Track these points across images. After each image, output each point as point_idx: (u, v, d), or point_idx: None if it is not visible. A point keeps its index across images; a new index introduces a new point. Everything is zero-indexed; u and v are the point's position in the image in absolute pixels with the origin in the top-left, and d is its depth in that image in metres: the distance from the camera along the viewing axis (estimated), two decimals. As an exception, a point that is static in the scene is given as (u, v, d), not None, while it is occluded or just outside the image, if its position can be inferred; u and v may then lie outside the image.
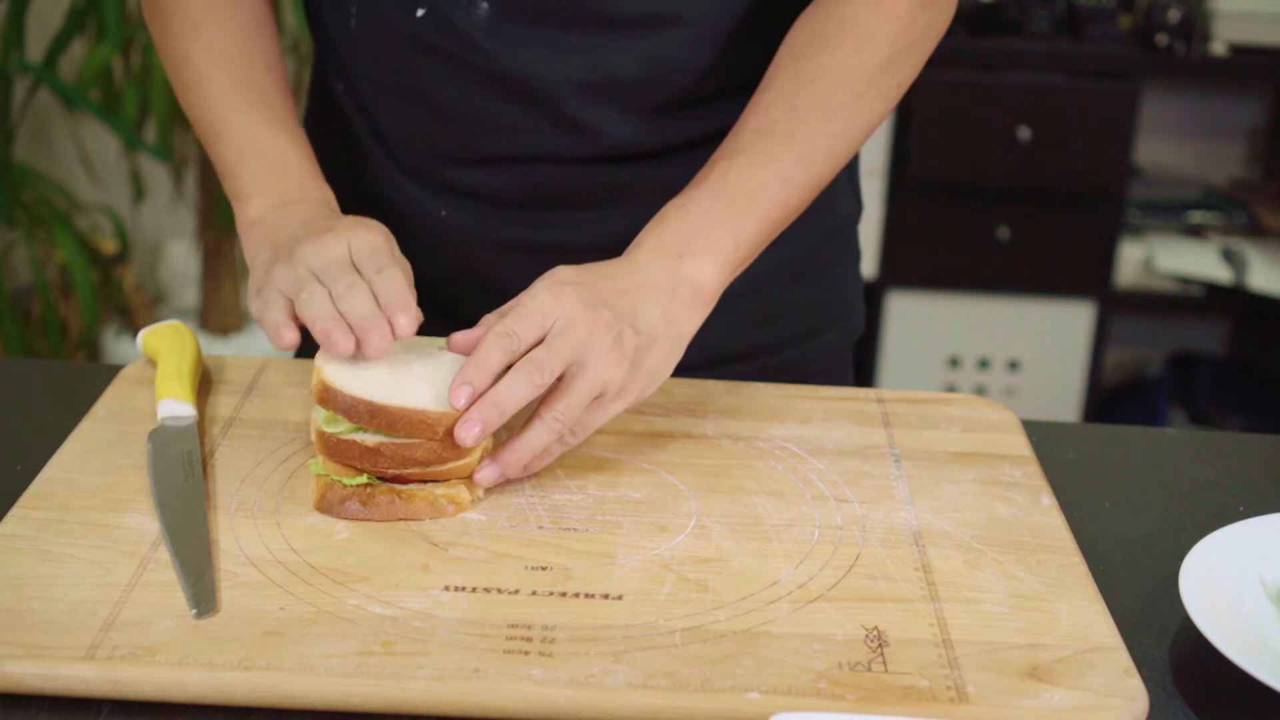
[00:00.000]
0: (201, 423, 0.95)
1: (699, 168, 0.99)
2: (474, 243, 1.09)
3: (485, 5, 1.00)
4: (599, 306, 0.87)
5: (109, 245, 2.54)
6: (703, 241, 0.93)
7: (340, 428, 0.85)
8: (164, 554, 0.81)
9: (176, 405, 0.94)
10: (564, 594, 0.79)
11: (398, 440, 0.84)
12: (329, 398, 0.85)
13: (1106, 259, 2.66)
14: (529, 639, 0.75)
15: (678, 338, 0.91)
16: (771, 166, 0.95)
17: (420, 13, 1.02)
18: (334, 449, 0.85)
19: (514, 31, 1.01)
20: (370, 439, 0.84)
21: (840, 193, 1.15)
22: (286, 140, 1.01)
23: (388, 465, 0.85)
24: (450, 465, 0.86)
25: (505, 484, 0.90)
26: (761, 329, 1.14)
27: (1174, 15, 2.56)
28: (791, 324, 1.15)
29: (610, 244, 1.00)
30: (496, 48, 1.01)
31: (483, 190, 1.07)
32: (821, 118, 0.96)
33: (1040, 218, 2.66)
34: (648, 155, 1.07)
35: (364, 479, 0.85)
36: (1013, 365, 2.77)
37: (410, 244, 0.99)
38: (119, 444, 0.92)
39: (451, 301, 1.09)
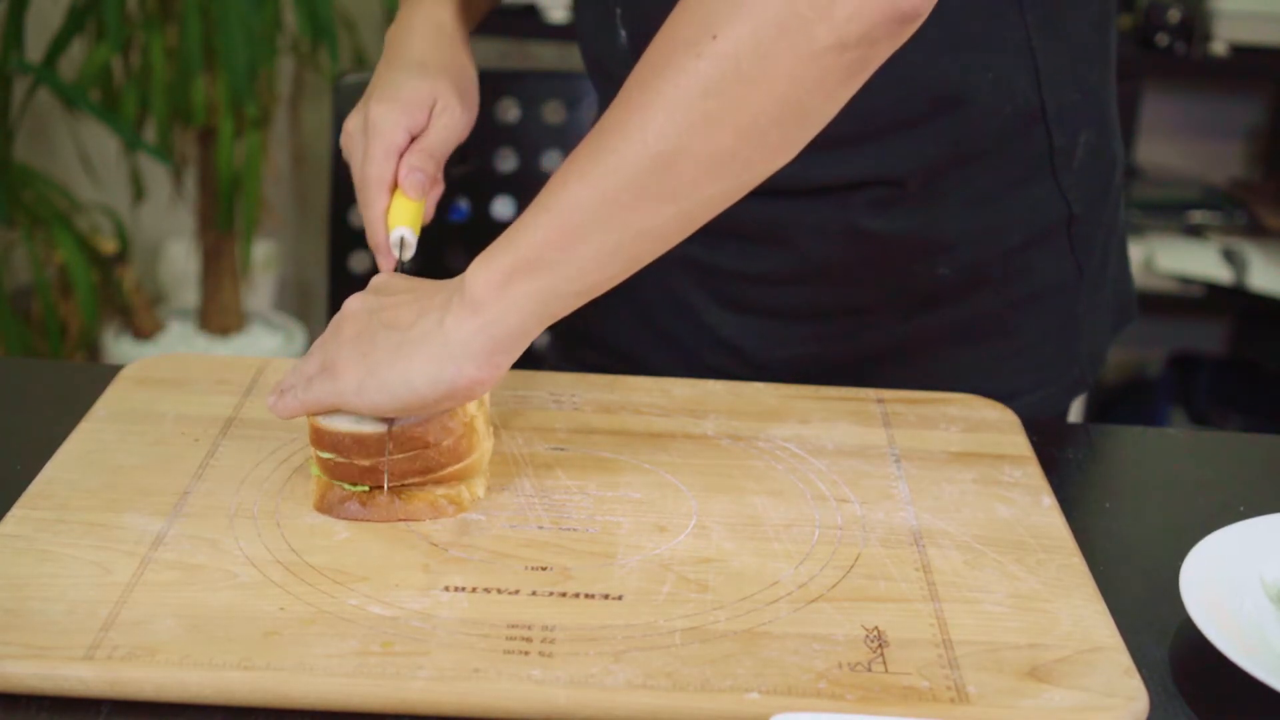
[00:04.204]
0: (202, 423, 0.95)
1: (854, 210, 1.03)
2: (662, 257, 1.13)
3: (624, 33, 1.05)
4: (371, 313, 0.87)
5: (109, 245, 2.54)
6: (485, 251, 0.86)
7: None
8: (164, 554, 0.81)
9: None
10: (564, 594, 0.79)
11: (394, 456, 0.85)
12: (320, 438, 0.85)
13: (1106, 259, 2.66)
14: (529, 639, 0.75)
15: (443, 341, 0.83)
16: (567, 164, 0.85)
17: (621, 38, 1.08)
18: (334, 471, 0.85)
19: None
20: (367, 459, 0.85)
21: (1040, 258, 1.12)
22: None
23: (389, 480, 0.85)
24: (452, 469, 0.86)
25: (505, 484, 0.90)
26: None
27: (1174, 15, 2.56)
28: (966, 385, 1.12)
29: (770, 274, 1.09)
30: None
31: None
32: (634, 114, 0.83)
33: (1040, 217, 2.65)
34: (799, 193, 1.06)
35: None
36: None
37: None
38: (119, 444, 0.92)
39: (646, 307, 1.18)
